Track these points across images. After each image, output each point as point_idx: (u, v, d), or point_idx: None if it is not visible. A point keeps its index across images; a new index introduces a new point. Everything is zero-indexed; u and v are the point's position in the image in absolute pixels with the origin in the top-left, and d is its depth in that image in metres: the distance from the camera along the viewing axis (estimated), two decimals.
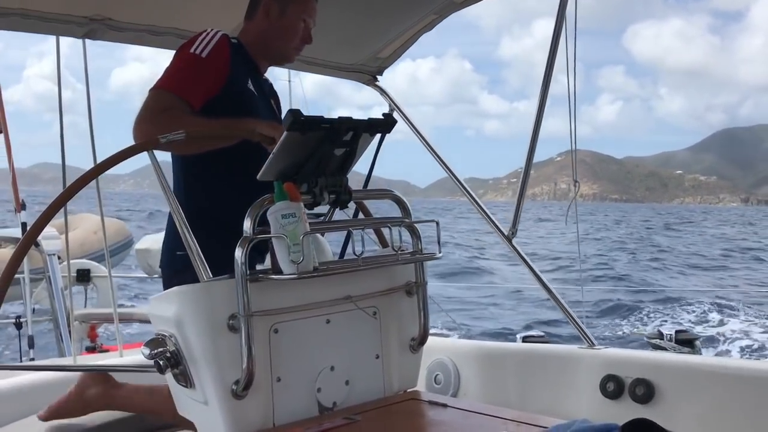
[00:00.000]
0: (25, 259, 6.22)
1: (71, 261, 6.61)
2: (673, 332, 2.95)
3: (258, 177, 1.74)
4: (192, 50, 2.16)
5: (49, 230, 6.31)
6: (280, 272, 1.63)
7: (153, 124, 1.99)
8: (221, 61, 2.18)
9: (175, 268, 2.20)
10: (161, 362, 1.67)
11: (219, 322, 1.63)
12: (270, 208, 1.64)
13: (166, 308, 1.67)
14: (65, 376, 2.93)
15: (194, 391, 1.70)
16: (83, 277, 6.69)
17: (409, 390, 2.05)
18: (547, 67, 2.98)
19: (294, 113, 1.63)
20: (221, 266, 1.72)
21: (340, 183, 1.79)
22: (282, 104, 2.62)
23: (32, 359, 6.04)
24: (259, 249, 1.78)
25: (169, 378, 1.77)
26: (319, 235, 1.98)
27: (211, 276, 1.70)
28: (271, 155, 1.71)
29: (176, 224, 1.85)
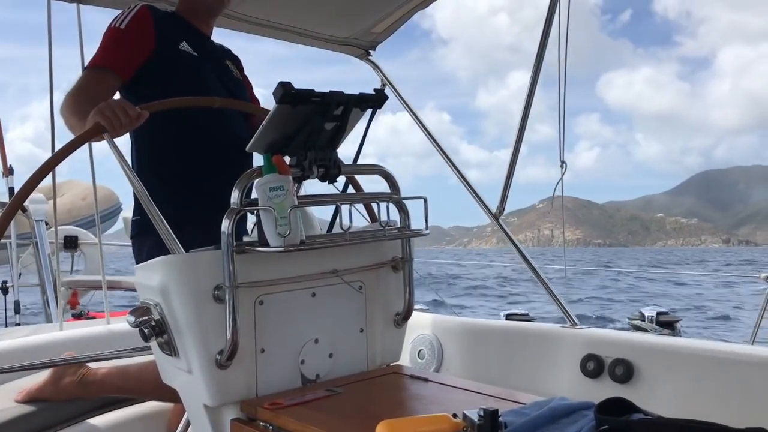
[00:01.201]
0: (12, 225, 6.20)
1: (59, 227, 6.61)
2: (654, 314, 2.99)
3: (247, 148, 1.74)
4: (113, 25, 2.28)
5: (36, 195, 6.28)
6: (267, 244, 1.64)
7: (66, 108, 2.16)
8: (142, 28, 2.28)
9: (134, 233, 2.38)
10: (146, 330, 1.68)
11: (204, 293, 1.64)
12: (258, 180, 1.64)
13: (152, 277, 1.68)
14: (57, 338, 2.95)
15: (178, 359, 1.71)
16: (71, 243, 6.68)
17: (392, 364, 2.07)
18: (537, 55, 2.98)
19: (284, 86, 1.63)
20: (206, 230, 1.77)
21: (330, 157, 1.79)
22: None
23: (18, 324, 6.05)
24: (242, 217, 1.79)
25: (153, 346, 1.78)
26: (308, 208, 1.99)
27: (182, 251, 1.72)
28: (260, 127, 1.71)
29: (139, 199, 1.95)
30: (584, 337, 2.83)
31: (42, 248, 6.09)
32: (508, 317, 3.23)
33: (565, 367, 2.81)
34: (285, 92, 1.63)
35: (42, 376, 2.53)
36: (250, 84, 2.71)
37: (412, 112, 3.59)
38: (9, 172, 6.48)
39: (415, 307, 3.91)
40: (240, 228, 1.90)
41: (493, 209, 3.16)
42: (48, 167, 1.85)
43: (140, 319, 1.64)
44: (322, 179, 1.80)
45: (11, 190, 6.38)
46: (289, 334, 1.81)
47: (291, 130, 1.73)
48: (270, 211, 1.60)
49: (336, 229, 2.01)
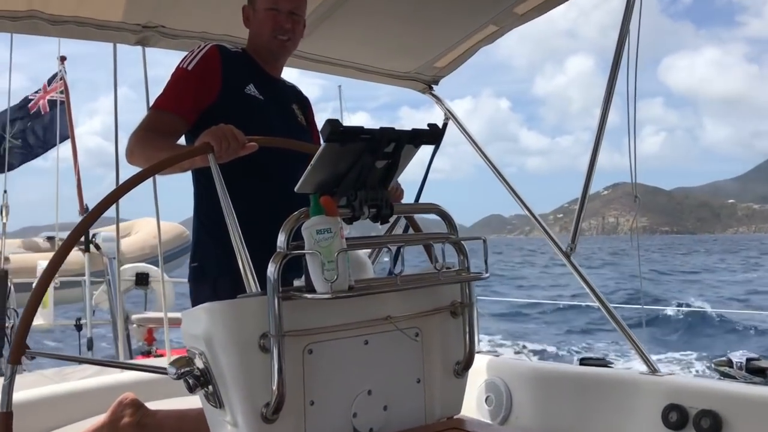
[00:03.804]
0: (86, 262, 6.37)
1: (131, 265, 6.75)
2: (743, 360, 2.73)
3: (296, 189, 1.66)
4: (182, 66, 2.27)
5: (110, 234, 6.44)
6: (314, 290, 1.54)
7: (135, 143, 2.17)
8: (209, 70, 2.26)
9: (191, 279, 2.35)
10: (190, 381, 1.60)
11: (249, 342, 1.55)
12: (305, 222, 1.55)
13: (196, 325, 1.60)
14: (119, 380, 2.93)
15: (224, 412, 1.62)
16: (142, 280, 6.80)
17: (453, 417, 1.93)
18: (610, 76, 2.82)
19: (332, 123, 1.55)
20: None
21: (381, 196, 1.69)
22: None
23: (125, 361, 6.16)
24: (296, 262, 1.71)
25: (200, 396, 1.70)
26: (360, 251, 1.89)
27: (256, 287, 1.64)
28: (308, 167, 1.63)
29: (203, 233, 2.02)
30: (666, 386, 2.61)
31: (114, 285, 6.20)
32: (582, 362, 3.02)
33: (645, 418, 2.60)
34: (332, 130, 1.54)
35: (101, 418, 2.50)
36: (317, 129, 2.65)
37: (476, 144, 3.48)
38: (84, 210, 6.66)
39: (484, 348, 3.76)
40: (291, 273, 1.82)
41: (564, 247, 3.00)
42: (144, 175, 1.80)
43: (182, 370, 1.56)
44: (374, 220, 1.70)
45: None
46: (341, 384, 1.70)
47: (341, 169, 1.65)
48: (316, 255, 1.51)
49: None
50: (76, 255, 6.82)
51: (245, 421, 1.57)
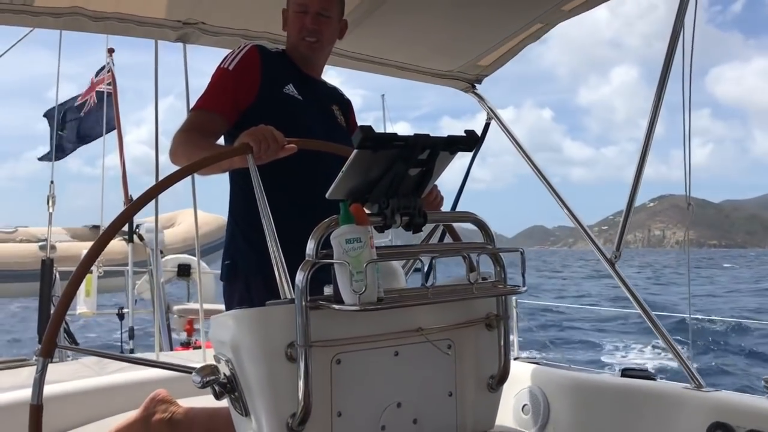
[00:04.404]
0: (130, 252, 6.46)
1: (173, 256, 6.83)
2: None
3: (327, 195, 1.62)
4: (222, 65, 2.28)
5: (152, 225, 6.52)
6: (342, 301, 1.50)
7: (178, 143, 2.18)
8: (249, 70, 2.27)
9: (224, 278, 2.35)
10: (216, 388, 1.58)
11: (276, 351, 1.52)
12: (333, 231, 1.51)
13: (223, 332, 1.58)
14: (153, 376, 2.94)
15: (249, 420, 1.60)
16: (184, 271, 6.87)
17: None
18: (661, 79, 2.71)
19: (364, 130, 1.50)
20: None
21: (414, 205, 1.64)
22: None
23: (132, 350, 6.25)
24: (326, 270, 1.67)
25: (227, 403, 1.67)
26: (393, 261, 1.84)
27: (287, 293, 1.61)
28: (340, 173, 1.59)
29: (237, 232, 2.09)
30: (712, 402, 2.51)
31: (157, 276, 6.28)
32: (624, 372, 2.93)
33: None
34: (365, 136, 1.50)
35: (133, 414, 2.51)
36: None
37: (519, 145, 3.39)
38: (129, 201, 6.75)
39: (522, 355, 3.68)
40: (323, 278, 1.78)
41: (609, 255, 2.90)
42: (184, 173, 1.81)
43: (207, 378, 1.54)
44: (407, 228, 1.65)
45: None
46: (369, 396, 1.66)
47: (373, 176, 1.60)
48: (345, 266, 1.47)
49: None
50: (120, 245, 6.94)
51: (270, 430, 1.54)
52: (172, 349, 5.85)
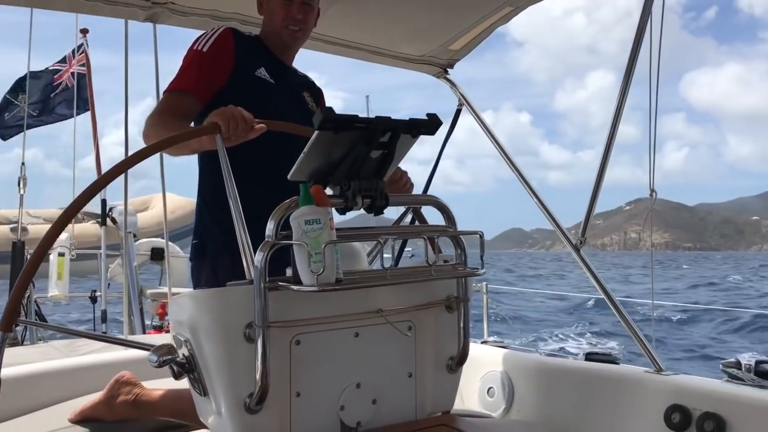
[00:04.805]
0: (103, 235, 6.41)
1: (147, 239, 6.79)
2: (752, 362, 2.66)
3: (289, 177, 1.63)
4: (195, 47, 2.27)
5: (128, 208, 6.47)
6: (301, 282, 1.51)
7: (150, 125, 2.17)
8: (223, 52, 2.27)
9: (192, 257, 2.39)
10: (175, 368, 1.58)
11: (234, 331, 1.53)
12: (293, 212, 1.52)
13: (182, 312, 1.58)
14: (122, 357, 2.93)
15: (208, 400, 1.61)
16: (157, 256, 6.82)
17: (443, 413, 1.89)
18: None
19: (325, 111, 1.51)
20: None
21: (376, 187, 1.65)
22: None
23: (104, 332, 6.21)
24: (289, 251, 1.68)
25: (188, 383, 1.68)
26: (355, 243, 1.85)
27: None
28: (302, 154, 1.59)
29: (205, 212, 2.14)
30: (671, 385, 2.55)
31: (130, 259, 6.24)
32: (588, 356, 2.97)
33: (647, 417, 2.54)
34: (325, 117, 1.50)
35: (97, 395, 2.51)
36: None
37: (490, 133, 3.41)
38: None
39: (489, 339, 3.72)
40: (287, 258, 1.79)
41: (574, 240, 2.94)
42: (150, 150, 1.79)
43: (163, 358, 1.54)
44: (368, 211, 1.67)
45: (103, 202, 6.59)
46: (328, 377, 1.68)
47: (335, 157, 1.61)
48: (303, 247, 1.48)
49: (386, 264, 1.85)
50: (93, 228, 6.87)
51: (228, 410, 1.55)
52: (144, 333, 5.83)
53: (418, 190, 2.94)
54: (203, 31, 2.38)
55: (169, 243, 7.27)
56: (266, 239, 1.52)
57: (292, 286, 1.51)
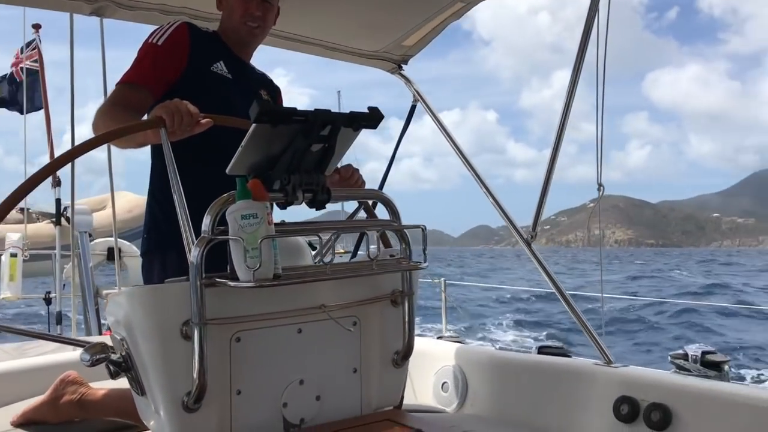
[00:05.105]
0: (57, 235, 6.27)
1: (103, 239, 6.66)
2: (699, 353, 2.71)
3: (227, 171, 1.60)
4: (149, 40, 2.24)
5: (81, 207, 6.34)
6: (238, 278, 1.48)
7: (99, 116, 2.10)
8: (178, 46, 2.23)
9: (142, 253, 2.36)
10: (111, 367, 1.55)
11: (171, 329, 1.50)
12: (229, 207, 1.49)
13: (118, 310, 1.55)
14: (72, 358, 2.87)
15: (146, 399, 1.57)
16: (113, 255, 6.69)
17: (395, 407, 1.89)
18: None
19: (261, 103, 1.48)
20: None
21: (317, 181, 1.63)
22: None
23: (60, 334, 6.08)
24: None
25: (127, 382, 1.65)
26: (300, 238, 1.83)
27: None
28: (239, 148, 1.56)
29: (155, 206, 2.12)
30: (619, 377, 2.58)
31: (84, 259, 6.11)
32: (541, 350, 3.00)
33: (597, 409, 2.57)
34: (261, 110, 1.48)
35: (41, 397, 2.45)
36: None
37: (444, 129, 3.42)
38: (57, 183, 6.55)
39: (446, 333, 3.74)
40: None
41: (526, 235, 2.96)
42: (93, 143, 1.73)
43: (96, 356, 1.51)
44: (310, 205, 1.65)
45: (58, 201, 6.45)
46: (270, 374, 1.66)
47: (275, 151, 1.58)
48: (239, 242, 1.45)
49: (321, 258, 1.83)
50: (47, 228, 6.72)
51: (166, 409, 1.52)
52: (101, 333, 5.72)
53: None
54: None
55: (126, 242, 7.17)
56: (202, 234, 1.49)
57: (229, 282, 1.48)
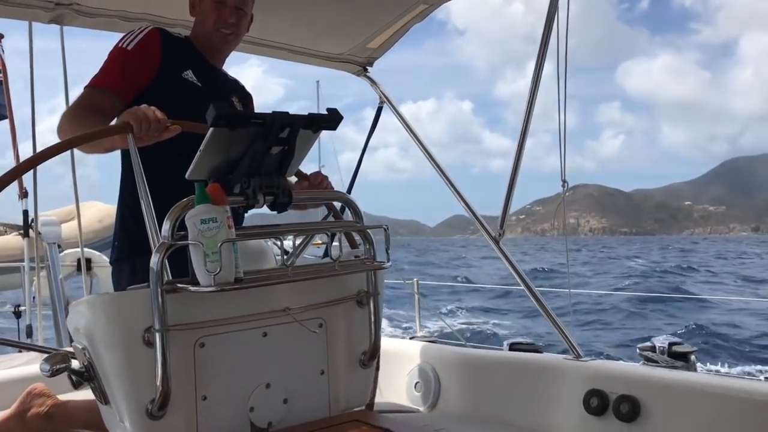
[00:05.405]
0: (25, 247, 6.18)
1: (72, 250, 6.57)
2: (666, 344, 2.75)
3: (187, 176, 1.59)
4: (120, 45, 2.20)
5: (50, 218, 6.25)
6: (198, 282, 1.48)
7: (64, 120, 2.07)
8: (149, 52, 2.20)
9: (112, 260, 2.33)
10: (74, 377, 1.53)
11: (132, 336, 1.49)
12: (188, 212, 1.48)
13: (79, 319, 1.53)
14: (39, 372, 2.83)
15: (111, 408, 1.56)
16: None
17: (357, 409, 1.89)
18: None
19: (217, 107, 1.48)
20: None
21: (278, 184, 1.63)
22: None
23: (29, 342, 5.98)
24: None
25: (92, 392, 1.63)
26: (263, 241, 1.83)
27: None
28: (198, 152, 1.56)
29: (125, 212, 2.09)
30: (588, 371, 2.61)
31: (54, 271, 6.03)
32: (512, 347, 3.02)
33: (567, 402, 2.60)
34: (217, 114, 1.47)
35: (8, 411, 2.42)
36: None
37: (411, 129, 3.44)
38: (24, 194, 6.44)
39: (419, 333, 3.75)
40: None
41: (493, 233, 2.98)
42: (59, 148, 1.71)
43: (56, 366, 1.49)
44: (271, 208, 1.65)
45: (25, 213, 6.34)
46: (236, 378, 1.65)
47: (234, 155, 1.58)
48: (199, 246, 1.45)
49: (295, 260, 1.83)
50: (15, 240, 6.61)
51: (130, 417, 1.51)
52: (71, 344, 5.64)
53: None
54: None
55: (96, 252, 7.09)
56: (162, 240, 1.48)
57: (190, 287, 1.47)
